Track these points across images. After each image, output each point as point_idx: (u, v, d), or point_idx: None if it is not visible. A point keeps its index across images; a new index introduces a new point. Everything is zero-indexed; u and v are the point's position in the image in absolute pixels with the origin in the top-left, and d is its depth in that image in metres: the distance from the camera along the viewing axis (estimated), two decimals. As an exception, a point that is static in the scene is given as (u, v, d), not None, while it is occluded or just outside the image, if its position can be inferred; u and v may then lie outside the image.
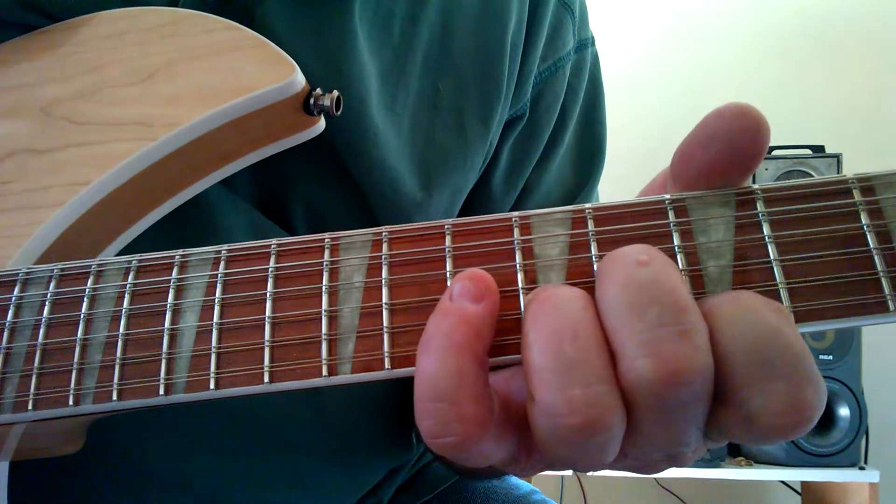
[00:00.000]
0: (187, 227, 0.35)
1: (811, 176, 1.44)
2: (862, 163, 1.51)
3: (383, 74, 0.39)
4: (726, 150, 0.23)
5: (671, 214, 0.24)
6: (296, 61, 0.33)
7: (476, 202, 0.47)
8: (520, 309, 0.23)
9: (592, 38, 0.53)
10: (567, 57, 0.49)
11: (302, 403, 0.39)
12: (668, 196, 0.24)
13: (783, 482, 1.53)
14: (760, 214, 0.24)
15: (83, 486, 0.34)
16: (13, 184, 0.31)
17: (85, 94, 0.33)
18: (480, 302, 0.22)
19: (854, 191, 0.23)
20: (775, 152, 1.49)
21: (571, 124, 0.50)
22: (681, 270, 0.23)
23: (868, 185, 0.23)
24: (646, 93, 1.74)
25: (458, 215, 0.45)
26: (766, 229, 0.23)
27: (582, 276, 0.24)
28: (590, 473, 1.36)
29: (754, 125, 0.22)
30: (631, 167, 1.72)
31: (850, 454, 1.31)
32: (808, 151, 1.47)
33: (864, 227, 0.23)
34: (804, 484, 1.50)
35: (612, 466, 0.23)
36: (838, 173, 1.28)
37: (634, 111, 1.70)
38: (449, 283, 0.24)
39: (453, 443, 0.21)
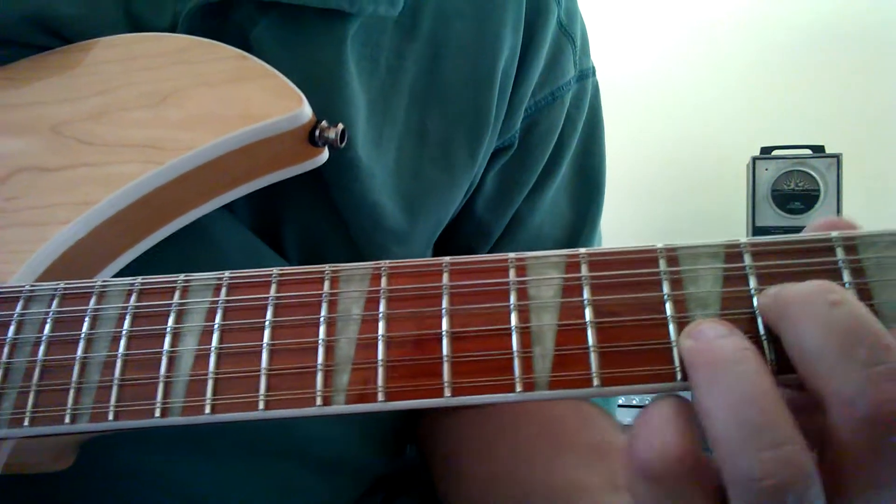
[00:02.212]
0: (183, 245, 0.35)
1: (811, 176, 1.43)
2: (862, 163, 1.49)
3: (370, 107, 0.40)
4: None
5: (662, 263, 0.25)
6: None
7: (460, 230, 0.47)
8: (512, 349, 0.24)
9: (594, 67, 0.53)
10: (567, 86, 0.49)
11: None
12: (660, 245, 0.25)
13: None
14: (747, 267, 0.24)
15: (69, 485, 0.34)
16: (20, 200, 0.32)
17: (95, 116, 0.34)
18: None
19: (837, 249, 0.24)
20: (775, 152, 1.49)
21: (568, 155, 0.50)
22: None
23: (851, 244, 0.24)
24: (646, 95, 1.74)
25: (441, 242, 0.46)
26: (752, 282, 0.24)
27: (574, 318, 0.24)
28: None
29: None
30: (635, 175, 1.72)
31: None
32: (808, 151, 1.46)
33: (846, 285, 0.24)
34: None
35: None
36: (838, 173, 1.25)
37: (637, 115, 1.71)
38: (444, 320, 0.25)
39: None
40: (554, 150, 0.49)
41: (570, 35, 0.50)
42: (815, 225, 0.26)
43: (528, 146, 0.48)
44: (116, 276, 0.33)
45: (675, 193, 1.69)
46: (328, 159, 0.37)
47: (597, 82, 0.53)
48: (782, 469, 0.20)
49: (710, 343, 0.22)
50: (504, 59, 0.45)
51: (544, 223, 0.49)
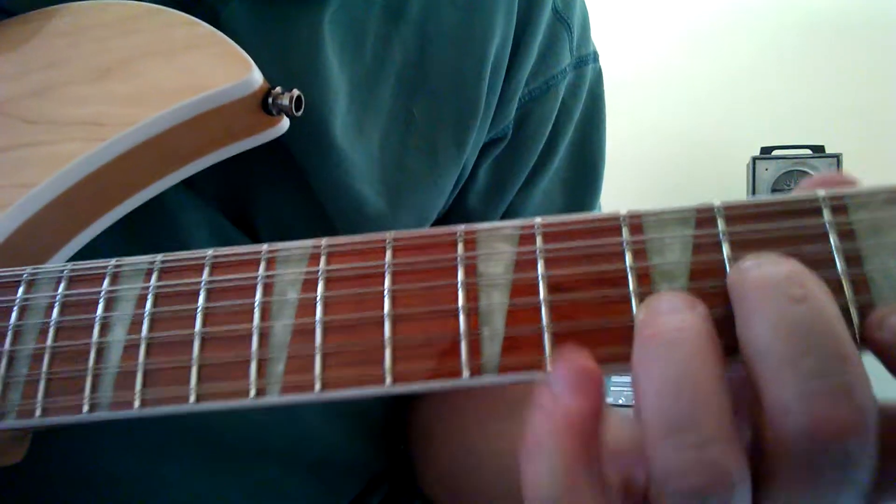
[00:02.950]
0: (146, 229, 0.34)
1: (811, 176, 1.42)
2: (862, 163, 1.48)
3: (353, 94, 0.38)
4: None
5: (625, 232, 0.22)
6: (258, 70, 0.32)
7: (453, 221, 0.44)
8: (459, 331, 0.22)
9: (595, 53, 0.50)
10: (561, 75, 0.46)
11: (278, 413, 0.38)
12: (623, 212, 0.23)
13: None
14: (721, 234, 0.22)
15: (46, 497, 0.34)
16: (-38, 184, 0.31)
17: (39, 92, 0.32)
18: (586, 397, 0.19)
19: (824, 210, 0.22)
20: (775, 152, 1.49)
21: (563, 145, 0.47)
22: (836, 303, 0.19)
23: (840, 203, 0.22)
24: (646, 95, 1.72)
25: None
26: (725, 250, 0.22)
27: (527, 295, 0.22)
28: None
29: None
30: (635, 175, 1.70)
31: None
32: (808, 151, 1.46)
33: (833, 249, 0.21)
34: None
35: None
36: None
37: (637, 115, 1.68)
38: (386, 301, 0.23)
39: None
40: (548, 140, 0.47)
41: (567, 22, 0.47)
42: (804, 184, 0.23)
43: (522, 137, 0.45)
44: (73, 260, 0.31)
45: (675, 193, 1.69)
46: (306, 146, 0.36)
47: (599, 68, 0.50)
48: (704, 471, 0.17)
49: (656, 318, 0.19)
50: (495, 48, 0.42)
51: (538, 213, 0.46)
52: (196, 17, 0.34)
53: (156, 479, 0.35)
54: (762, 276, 0.19)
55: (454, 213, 0.45)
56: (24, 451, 0.28)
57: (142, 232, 0.34)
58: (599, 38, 0.52)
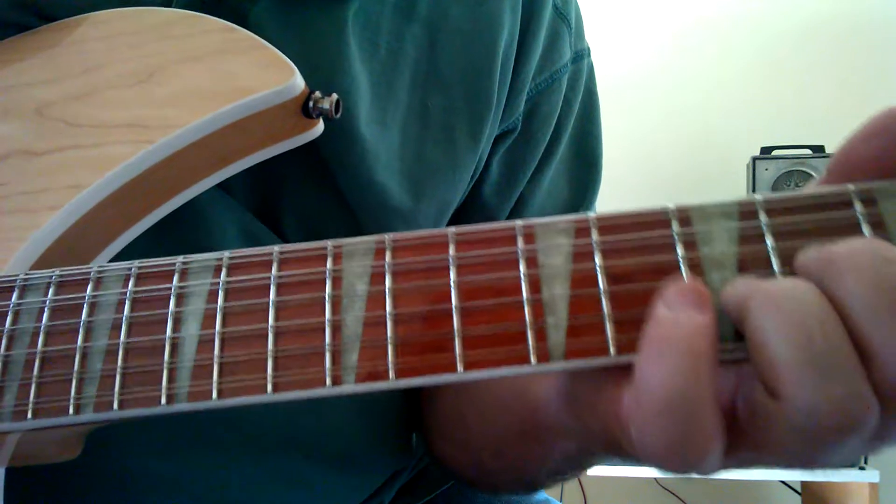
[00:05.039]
0: (178, 228, 0.34)
1: (811, 176, 1.44)
2: None
3: (373, 89, 0.39)
4: (885, 146, 0.23)
5: (675, 224, 0.24)
6: None
7: (469, 214, 0.47)
8: (525, 320, 0.23)
9: (588, 48, 0.53)
10: (563, 69, 0.49)
11: (301, 404, 0.39)
12: (671, 206, 0.24)
13: (783, 482, 1.53)
14: (763, 226, 0.24)
15: (78, 485, 0.34)
16: (9, 186, 0.31)
17: (80, 96, 0.33)
18: (706, 312, 0.21)
19: (855, 202, 0.24)
20: (775, 152, 1.50)
21: (566, 136, 0.50)
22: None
23: (869, 196, 0.24)
24: (646, 95, 1.74)
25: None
26: (769, 241, 0.23)
27: (586, 286, 0.24)
28: (589, 473, 1.36)
29: None
30: (635, 175, 1.72)
31: (850, 454, 1.33)
32: (808, 151, 1.47)
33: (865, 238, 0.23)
34: (804, 484, 1.51)
35: None
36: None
37: (637, 115, 1.70)
38: (453, 293, 0.24)
39: (694, 459, 0.20)
40: (553, 132, 0.49)
41: (566, 18, 0.49)
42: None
43: (531, 129, 0.48)
44: (113, 260, 0.32)
45: (676, 193, 1.69)
46: (332, 141, 0.37)
47: (591, 63, 0.53)
48: (851, 407, 0.19)
49: (768, 283, 0.21)
50: (503, 43, 0.44)
51: (545, 203, 0.49)
52: (222, 16, 0.35)
53: (184, 470, 0.36)
54: (855, 246, 0.21)
55: (469, 204, 0.46)
56: (80, 448, 0.29)
57: (172, 229, 0.34)
58: (600, 38, 0.55)
